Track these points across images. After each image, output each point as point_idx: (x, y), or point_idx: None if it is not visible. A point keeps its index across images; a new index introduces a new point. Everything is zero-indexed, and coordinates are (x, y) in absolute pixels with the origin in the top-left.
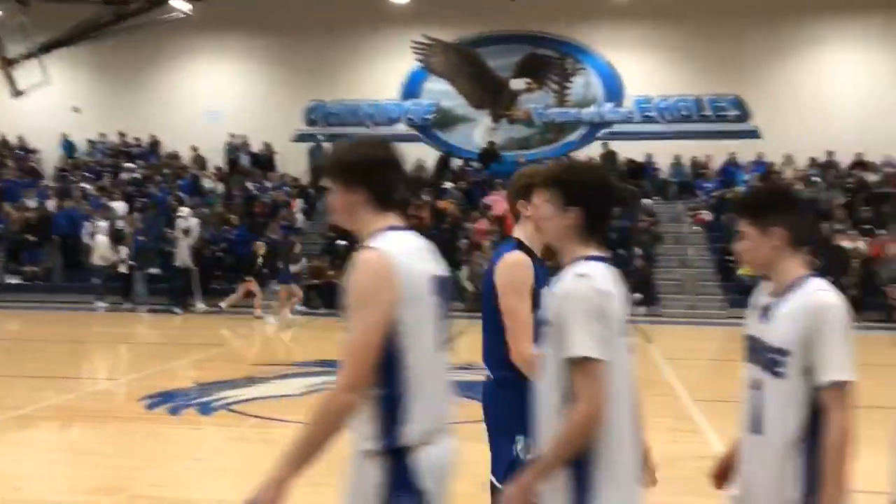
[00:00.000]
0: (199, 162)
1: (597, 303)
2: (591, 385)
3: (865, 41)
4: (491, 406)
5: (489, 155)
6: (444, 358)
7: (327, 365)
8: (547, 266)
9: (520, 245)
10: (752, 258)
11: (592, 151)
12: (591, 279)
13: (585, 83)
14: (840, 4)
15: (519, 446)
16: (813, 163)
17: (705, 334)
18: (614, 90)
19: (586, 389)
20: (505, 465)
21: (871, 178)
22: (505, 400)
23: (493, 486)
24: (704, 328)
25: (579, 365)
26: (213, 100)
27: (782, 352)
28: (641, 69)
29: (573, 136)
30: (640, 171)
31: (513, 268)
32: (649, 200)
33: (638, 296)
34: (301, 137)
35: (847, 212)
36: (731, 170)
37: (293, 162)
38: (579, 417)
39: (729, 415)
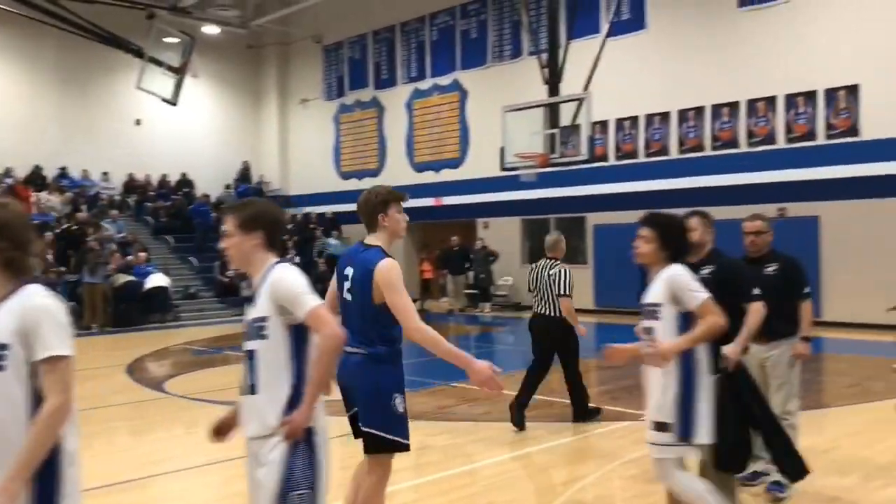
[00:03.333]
0: None
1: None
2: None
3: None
4: (368, 375)
5: None
6: None
7: None
8: None
9: (384, 251)
10: None
11: None
12: None
13: None
14: None
15: (398, 401)
16: None
17: None
18: None
19: None
20: (389, 417)
21: None
22: (381, 368)
23: (372, 435)
24: None
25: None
26: None
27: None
28: None
29: None
30: None
31: (392, 270)
32: None
33: None
34: None
35: None
36: None
37: None
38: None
39: None
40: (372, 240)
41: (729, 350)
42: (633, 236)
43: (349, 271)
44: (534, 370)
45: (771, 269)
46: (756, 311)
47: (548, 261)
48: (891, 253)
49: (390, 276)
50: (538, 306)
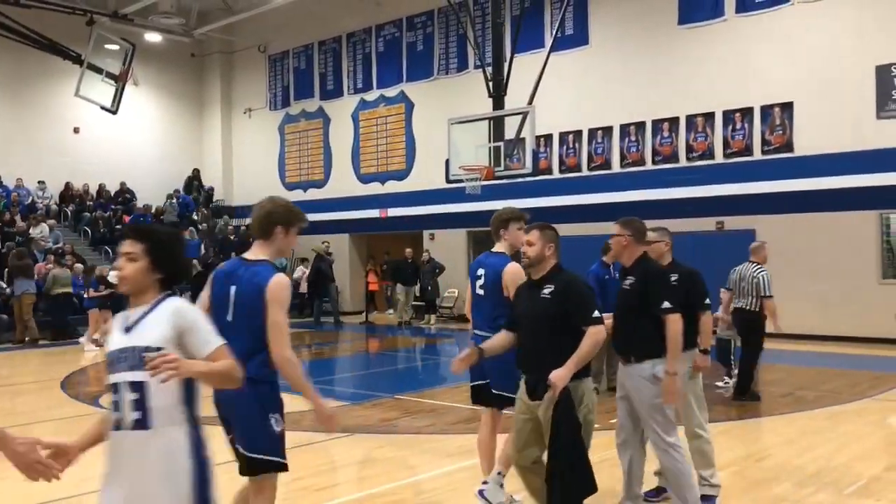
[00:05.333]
0: None
1: None
2: None
3: None
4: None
5: None
6: None
7: None
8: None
9: (508, 256)
10: None
11: None
12: None
13: None
14: None
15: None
16: None
17: None
18: None
19: None
20: (513, 383)
21: None
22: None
23: (500, 395)
24: None
25: None
26: None
27: None
28: None
29: None
30: None
31: (517, 273)
32: None
33: None
34: None
35: None
36: None
37: None
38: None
39: None
40: (497, 247)
41: (555, 375)
42: (577, 249)
43: (481, 272)
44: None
45: (672, 279)
46: (593, 335)
47: (751, 264)
48: (823, 265)
49: (515, 277)
50: (740, 303)
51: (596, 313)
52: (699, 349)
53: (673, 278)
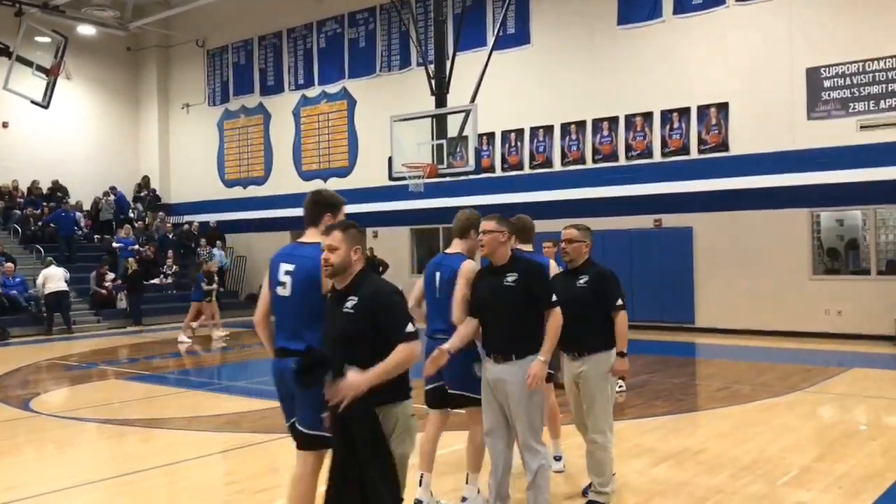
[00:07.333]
0: None
1: None
2: None
3: None
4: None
5: None
6: None
7: None
8: None
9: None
10: None
11: None
12: None
13: None
14: None
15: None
16: None
17: None
18: None
19: None
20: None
21: None
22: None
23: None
24: None
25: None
26: None
27: None
28: None
29: None
30: None
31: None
32: None
33: None
34: None
35: None
36: None
37: None
38: None
39: None
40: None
41: (350, 378)
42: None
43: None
44: None
45: (582, 280)
46: (402, 352)
47: None
48: (756, 262)
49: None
50: None
51: (410, 327)
52: (616, 352)
53: (582, 280)
